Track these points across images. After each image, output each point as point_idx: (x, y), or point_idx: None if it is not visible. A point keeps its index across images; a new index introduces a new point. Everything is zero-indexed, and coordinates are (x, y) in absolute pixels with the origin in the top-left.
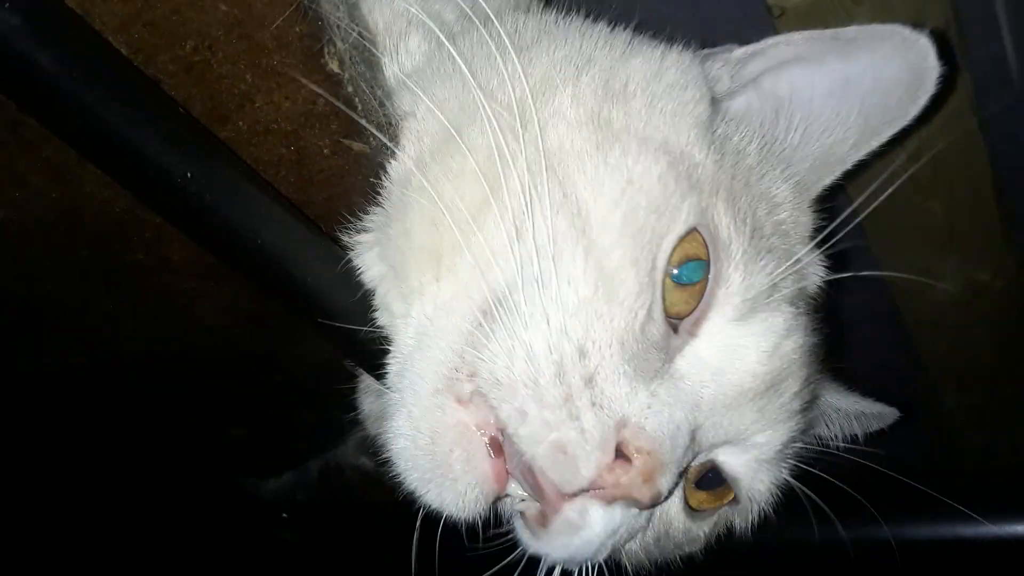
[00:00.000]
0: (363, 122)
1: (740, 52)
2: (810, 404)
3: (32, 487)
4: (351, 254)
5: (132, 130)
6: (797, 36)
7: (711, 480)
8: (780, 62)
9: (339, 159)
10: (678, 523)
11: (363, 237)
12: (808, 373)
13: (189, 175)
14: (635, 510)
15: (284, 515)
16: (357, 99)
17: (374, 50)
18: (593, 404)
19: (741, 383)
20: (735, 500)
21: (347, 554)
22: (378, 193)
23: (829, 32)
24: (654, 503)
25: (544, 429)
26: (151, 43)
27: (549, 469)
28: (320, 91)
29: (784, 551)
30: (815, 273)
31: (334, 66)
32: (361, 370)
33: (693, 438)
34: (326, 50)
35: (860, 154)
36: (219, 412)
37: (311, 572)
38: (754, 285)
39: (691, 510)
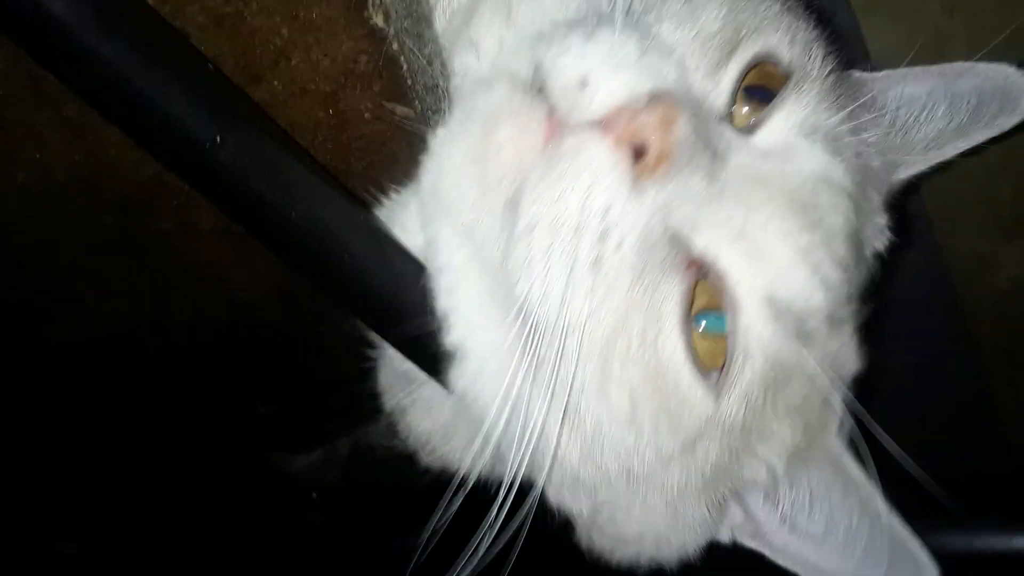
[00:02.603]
0: (409, 82)
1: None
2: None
3: (54, 456)
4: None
5: (156, 88)
6: (903, 71)
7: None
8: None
9: (381, 124)
10: (683, 375)
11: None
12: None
13: (219, 139)
14: (630, 194)
15: (313, 495)
16: (403, 57)
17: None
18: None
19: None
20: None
21: (375, 537)
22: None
23: (936, 68)
24: (663, 157)
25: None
26: None
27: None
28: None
29: None
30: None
31: (379, 20)
32: (385, 346)
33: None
34: (370, 2)
35: (944, 154)
36: (249, 388)
37: (338, 555)
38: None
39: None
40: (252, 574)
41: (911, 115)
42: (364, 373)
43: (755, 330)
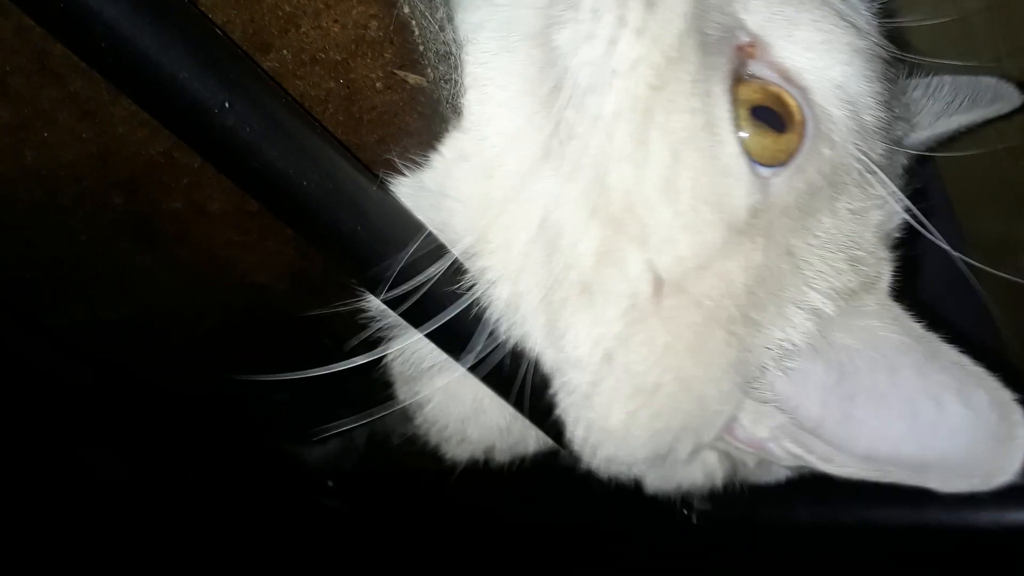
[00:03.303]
0: (421, 49)
1: None
2: None
3: (64, 446)
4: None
5: (162, 51)
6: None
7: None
8: None
9: (393, 94)
10: (730, 147)
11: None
12: None
13: (227, 104)
14: None
15: (329, 483)
16: (414, 22)
17: None
18: None
19: None
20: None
21: (393, 524)
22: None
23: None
24: None
25: None
26: None
27: None
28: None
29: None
30: None
31: None
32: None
33: None
34: None
35: (949, 125)
36: (263, 375)
37: (356, 541)
38: None
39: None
40: (268, 560)
41: (923, 90)
42: (380, 359)
43: (829, 112)
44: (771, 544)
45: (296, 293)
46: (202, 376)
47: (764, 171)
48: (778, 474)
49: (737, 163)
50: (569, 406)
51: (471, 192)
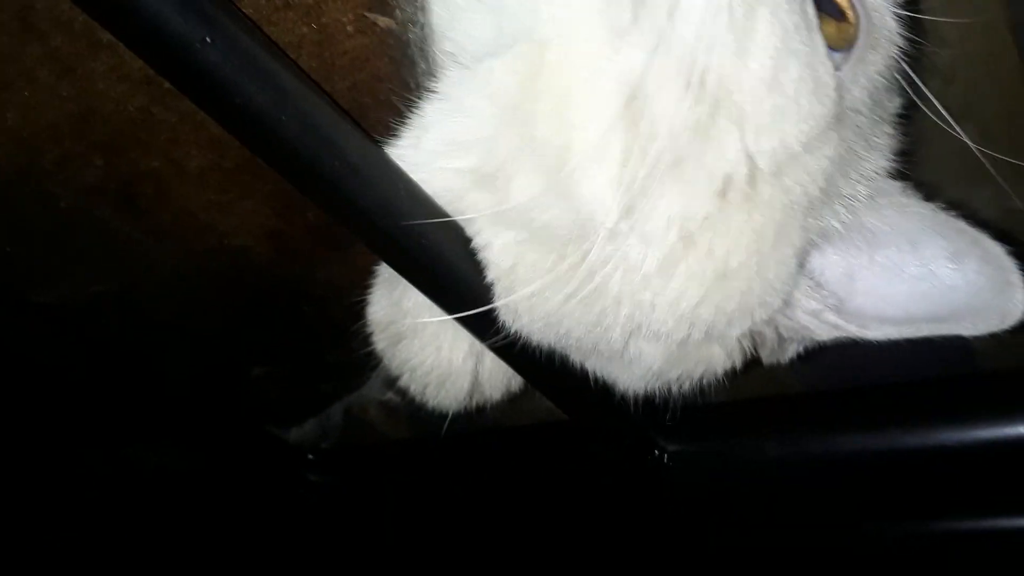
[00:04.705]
0: None
1: None
2: None
3: (49, 427)
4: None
5: None
6: None
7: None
8: None
9: (363, 38)
10: (816, 38)
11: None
12: None
13: (208, 39)
14: None
15: (310, 456)
16: None
17: None
18: None
19: None
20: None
21: (376, 493)
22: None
23: None
24: None
25: None
26: None
27: None
28: None
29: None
30: None
31: None
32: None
33: None
34: None
35: None
36: (243, 347)
37: (339, 513)
38: None
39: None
40: (251, 536)
41: None
42: (356, 317)
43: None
44: (743, 480)
45: (276, 255)
46: (185, 351)
47: (835, 56)
48: (790, 352)
49: (824, 50)
50: (616, 282)
51: (513, 85)
